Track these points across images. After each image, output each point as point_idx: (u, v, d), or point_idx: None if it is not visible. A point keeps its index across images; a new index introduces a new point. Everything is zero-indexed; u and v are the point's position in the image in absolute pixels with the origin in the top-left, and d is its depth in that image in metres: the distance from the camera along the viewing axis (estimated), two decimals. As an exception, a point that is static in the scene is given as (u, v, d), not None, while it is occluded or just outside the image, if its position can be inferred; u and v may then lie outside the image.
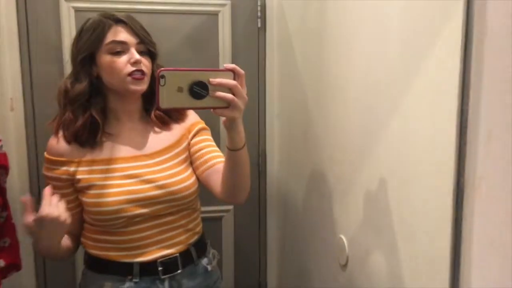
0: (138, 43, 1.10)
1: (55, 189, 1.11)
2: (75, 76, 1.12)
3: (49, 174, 1.13)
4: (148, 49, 1.13)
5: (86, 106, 1.11)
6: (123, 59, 1.08)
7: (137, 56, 1.08)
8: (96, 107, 1.12)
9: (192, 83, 0.87)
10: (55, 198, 1.01)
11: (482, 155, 0.73)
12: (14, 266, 1.34)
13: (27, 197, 1.02)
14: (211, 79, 0.88)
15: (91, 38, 1.09)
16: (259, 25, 1.90)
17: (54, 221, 0.98)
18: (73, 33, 1.73)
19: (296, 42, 1.69)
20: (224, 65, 0.91)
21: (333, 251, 1.35)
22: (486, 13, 0.70)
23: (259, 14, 1.89)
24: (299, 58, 1.66)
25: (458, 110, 0.76)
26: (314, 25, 1.48)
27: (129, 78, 1.08)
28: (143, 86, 1.11)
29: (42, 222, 0.97)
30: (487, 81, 0.71)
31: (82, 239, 1.19)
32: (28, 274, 1.78)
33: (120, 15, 1.11)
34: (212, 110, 0.91)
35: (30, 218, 0.99)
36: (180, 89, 0.87)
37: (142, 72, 1.09)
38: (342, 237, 1.27)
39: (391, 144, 1.00)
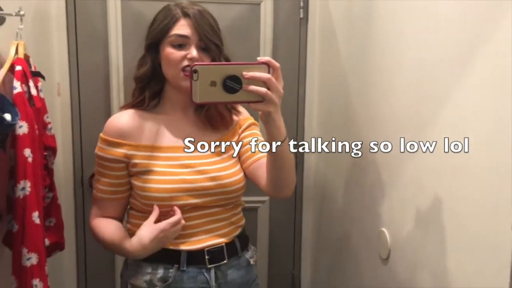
0: (200, 40, 1.09)
1: (107, 169, 1.13)
2: (142, 59, 1.17)
3: (103, 154, 1.13)
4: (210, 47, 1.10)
5: (144, 88, 1.16)
6: (181, 53, 1.08)
7: (194, 53, 1.07)
8: (150, 91, 1.16)
9: (225, 77, 0.87)
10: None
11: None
12: (58, 245, 1.37)
13: (176, 208, 1.11)
14: (244, 73, 0.87)
15: (159, 27, 1.11)
16: (301, 15, 1.88)
17: (179, 230, 1.10)
18: (119, 23, 1.77)
19: (340, 32, 1.66)
20: (258, 58, 0.89)
21: (373, 244, 1.33)
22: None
23: (301, 4, 1.87)
24: (342, 49, 1.63)
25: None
26: (360, 15, 1.45)
27: (181, 74, 1.09)
28: None
29: (175, 229, 1.09)
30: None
31: (128, 226, 1.20)
32: (70, 254, 1.85)
33: (189, 8, 1.10)
34: (247, 104, 0.90)
35: (167, 226, 1.08)
36: (213, 84, 0.87)
37: None
38: (384, 230, 1.25)
39: (442, 136, 0.97)
